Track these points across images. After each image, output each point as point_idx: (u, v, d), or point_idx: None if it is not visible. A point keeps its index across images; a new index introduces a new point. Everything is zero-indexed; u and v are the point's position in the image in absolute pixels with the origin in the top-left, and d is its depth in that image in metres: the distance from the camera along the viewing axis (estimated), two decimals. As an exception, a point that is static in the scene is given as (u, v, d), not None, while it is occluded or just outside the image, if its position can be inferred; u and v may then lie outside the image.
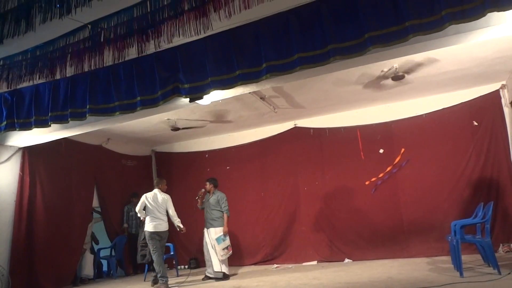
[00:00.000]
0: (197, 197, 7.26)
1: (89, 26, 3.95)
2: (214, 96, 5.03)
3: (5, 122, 5.17)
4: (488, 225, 5.32)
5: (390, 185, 7.78)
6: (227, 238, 6.98)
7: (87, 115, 4.79)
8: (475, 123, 7.30)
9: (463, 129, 7.37)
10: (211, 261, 6.97)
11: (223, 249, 6.88)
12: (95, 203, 8.46)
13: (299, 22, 3.90)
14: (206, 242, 7.10)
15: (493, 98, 7.20)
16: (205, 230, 7.11)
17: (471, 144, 7.28)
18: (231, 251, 7.02)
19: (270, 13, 3.94)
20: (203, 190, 7.25)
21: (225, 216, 6.96)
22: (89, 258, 7.77)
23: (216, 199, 7.06)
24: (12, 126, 5.18)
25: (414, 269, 6.22)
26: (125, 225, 8.68)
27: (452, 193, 7.28)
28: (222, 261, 6.92)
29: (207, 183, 7.23)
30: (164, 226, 6.66)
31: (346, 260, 7.73)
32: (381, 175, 7.82)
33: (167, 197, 6.84)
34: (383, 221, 7.69)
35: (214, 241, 6.90)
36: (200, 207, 7.32)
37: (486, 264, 5.67)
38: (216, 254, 6.90)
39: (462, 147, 7.34)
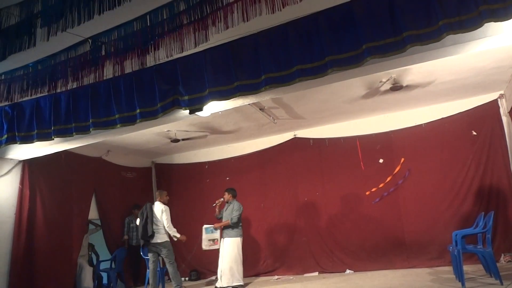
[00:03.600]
0: (214, 204, 7.30)
1: (90, 40, 3.99)
2: (214, 108, 5.06)
3: (5, 136, 5.17)
4: (489, 235, 5.31)
5: (390, 195, 7.76)
6: (217, 232, 7.03)
7: (90, 128, 4.80)
8: (474, 133, 7.32)
9: (462, 138, 7.39)
10: (222, 273, 7.01)
11: (209, 240, 6.99)
12: (95, 215, 8.43)
13: (297, 34, 3.93)
14: (220, 253, 7.14)
15: (492, 108, 7.23)
16: (221, 240, 7.15)
17: (471, 153, 7.28)
18: (217, 245, 7.06)
19: (269, 26, 3.97)
20: (221, 199, 7.28)
21: (227, 220, 6.99)
22: (88, 271, 7.71)
23: (231, 209, 7.11)
24: (13, 140, 5.17)
25: (416, 279, 6.19)
26: (125, 236, 8.64)
27: (452, 203, 7.27)
28: (235, 273, 6.92)
29: (226, 193, 7.29)
30: (159, 238, 6.72)
31: (348, 271, 7.69)
32: (381, 185, 7.82)
33: (164, 208, 6.85)
34: (384, 231, 7.66)
35: (226, 253, 6.93)
36: (218, 217, 7.33)
37: (488, 274, 5.64)
38: (235, 267, 6.95)
39: (461, 156, 7.34)
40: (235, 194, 7.34)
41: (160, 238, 6.74)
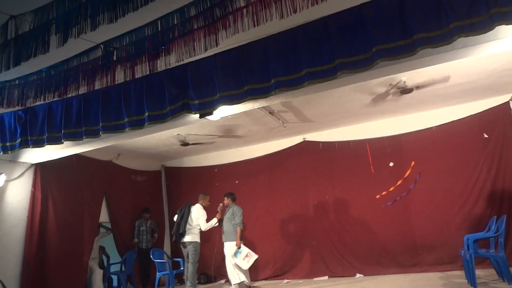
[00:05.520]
0: (218, 211, 7.41)
1: (102, 46, 4.04)
2: (224, 112, 5.08)
3: (19, 140, 5.24)
4: (502, 239, 5.26)
5: (401, 198, 7.71)
6: (242, 248, 7.04)
7: (100, 132, 4.85)
8: (485, 136, 7.25)
9: (473, 141, 7.33)
10: (229, 274, 7.19)
11: (243, 258, 7.00)
12: (106, 218, 8.50)
13: (307, 38, 3.93)
14: (226, 257, 7.28)
15: (503, 110, 7.16)
16: (224, 244, 7.30)
17: (482, 156, 7.22)
18: (254, 256, 7.09)
19: (279, 30, 3.98)
20: (221, 204, 7.41)
21: (238, 229, 7.05)
22: (98, 273, 7.76)
23: (231, 213, 7.20)
24: (26, 144, 5.24)
25: (427, 284, 6.13)
26: (135, 239, 8.69)
27: (464, 207, 7.20)
28: (244, 272, 7.02)
29: (225, 198, 7.42)
30: (189, 238, 7.18)
31: (358, 275, 7.65)
32: (391, 188, 7.78)
33: (202, 212, 7.32)
34: (395, 235, 7.61)
35: (230, 256, 7.06)
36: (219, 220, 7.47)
37: (500, 279, 5.58)
38: (237, 267, 7.04)
39: (472, 160, 7.28)
40: (235, 198, 7.46)
41: (190, 238, 7.17)
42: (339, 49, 3.76)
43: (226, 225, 7.20)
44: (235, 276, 7.04)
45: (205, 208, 7.47)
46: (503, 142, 7.11)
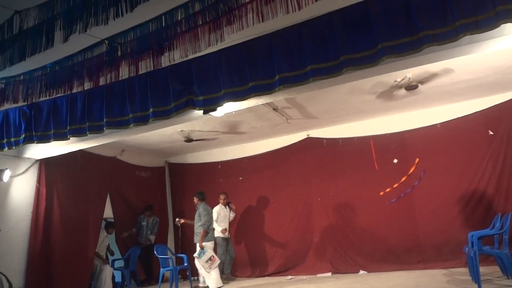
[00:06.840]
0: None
1: (106, 41, 4.04)
2: (228, 108, 5.08)
3: (23, 135, 5.26)
4: (506, 236, 5.25)
5: (405, 195, 7.70)
6: (207, 249, 6.99)
7: (104, 128, 4.86)
8: (491, 133, 7.21)
9: (479, 138, 7.29)
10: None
11: (206, 261, 6.92)
12: (110, 213, 8.53)
13: (312, 34, 3.91)
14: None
15: (509, 107, 7.10)
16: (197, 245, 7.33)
17: (487, 153, 7.18)
18: (216, 260, 7.05)
19: (283, 26, 3.97)
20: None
21: (202, 230, 7.03)
22: (109, 271, 7.76)
23: (198, 213, 7.25)
24: (31, 139, 5.26)
25: (431, 281, 6.13)
26: (134, 229, 8.73)
27: (468, 204, 7.18)
28: (210, 274, 6.97)
29: (194, 198, 7.58)
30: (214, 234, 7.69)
31: (361, 272, 7.65)
32: (395, 185, 7.76)
33: (215, 209, 7.95)
34: (398, 232, 7.60)
35: (195, 257, 7.05)
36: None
37: (504, 276, 5.57)
38: (201, 268, 7.09)
39: (477, 157, 7.24)
40: (202, 197, 7.55)
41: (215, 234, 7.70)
42: (344, 46, 3.74)
43: (195, 226, 7.25)
44: (211, 280, 7.01)
45: (223, 204, 8.12)
46: (508, 139, 7.07)
